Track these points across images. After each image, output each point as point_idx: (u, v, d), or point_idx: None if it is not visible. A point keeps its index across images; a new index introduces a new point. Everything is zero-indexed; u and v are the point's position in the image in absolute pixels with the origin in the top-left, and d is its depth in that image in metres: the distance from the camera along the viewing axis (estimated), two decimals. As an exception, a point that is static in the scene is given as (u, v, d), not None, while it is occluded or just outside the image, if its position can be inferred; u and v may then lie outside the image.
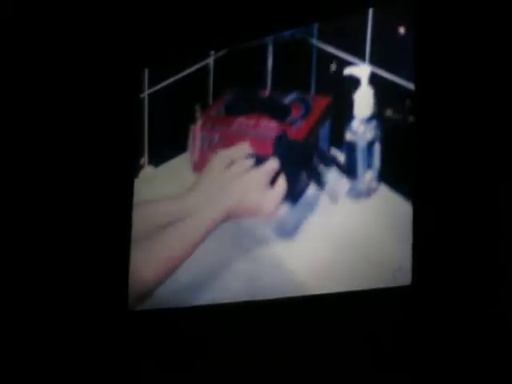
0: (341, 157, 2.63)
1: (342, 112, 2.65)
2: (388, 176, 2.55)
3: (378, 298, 2.45)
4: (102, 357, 2.92)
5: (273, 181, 2.72)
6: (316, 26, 2.76)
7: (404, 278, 2.41)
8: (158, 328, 2.84)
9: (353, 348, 2.47)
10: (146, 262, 2.87)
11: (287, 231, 2.68)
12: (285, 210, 2.69)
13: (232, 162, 2.79)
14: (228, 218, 2.75)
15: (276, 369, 2.59)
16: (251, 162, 2.76)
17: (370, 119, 2.60)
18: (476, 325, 2.30)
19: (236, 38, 2.89)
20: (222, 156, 2.83)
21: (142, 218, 2.95)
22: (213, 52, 2.95)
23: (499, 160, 2.36)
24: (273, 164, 2.72)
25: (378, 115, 2.59)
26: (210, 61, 2.96)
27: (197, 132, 2.91)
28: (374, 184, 2.57)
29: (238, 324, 2.69)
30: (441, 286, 2.37)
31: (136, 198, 3.00)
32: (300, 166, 2.69)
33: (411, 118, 2.51)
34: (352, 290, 2.50)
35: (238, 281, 2.72)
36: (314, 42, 2.76)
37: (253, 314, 2.67)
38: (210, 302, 2.75)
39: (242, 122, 2.84)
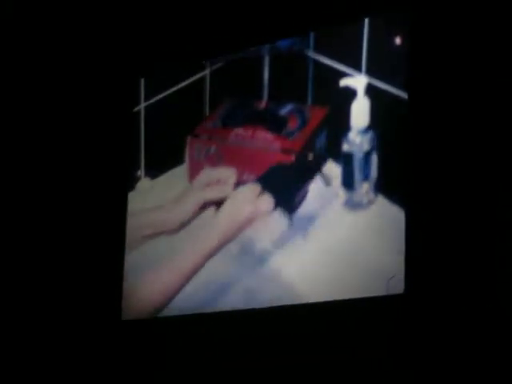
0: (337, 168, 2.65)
1: (339, 123, 2.65)
2: (385, 187, 2.55)
3: (372, 305, 2.46)
4: (96, 366, 2.92)
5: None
6: (312, 37, 2.76)
7: (397, 286, 2.42)
8: (152, 337, 2.85)
9: (347, 355, 2.48)
10: (144, 284, 2.88)
11: (285, 242, 2.69)
12: (283, 223, 2.70)
13: (217, 182, 2.80)
14: (228, 240, 2.75)
15: (271, 375, 2.59)
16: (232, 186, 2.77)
17: (366, 130, 2.60)
18: (469, 332, 2.31)
19: (232, 47, 2.89)
20: (209, 173, 2.84)
21: (130, 227, 2.96)
22: (209, 64, 2.95)
23: (493, 169, 2.37)
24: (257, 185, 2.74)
25: (374, 126, 2.59)
26: (207, 72, 2.96)
27: (193, 144, 2.91)
28: (371, 195, 2.57)
29: (235, 332, 2.70)
30: (433, 295, 2.38)
31: (133, 210, 2.99)
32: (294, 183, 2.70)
33: (408, 128, 2.51)
34: (346, 299, 2.50)
35: (235, 291, 2.72)
36: (311, 53, 2.76)
37: (250, 323, 2.68)
38: (206, 311, 2.75)
39: (238, 133, 2.84)
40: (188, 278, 2.76)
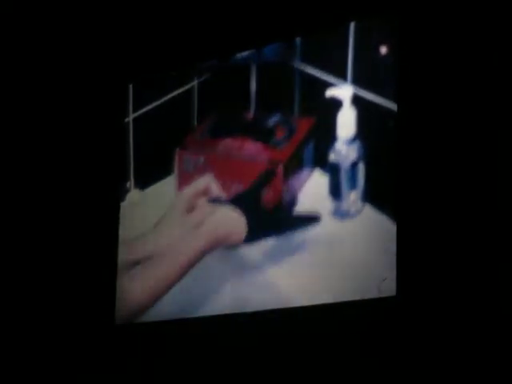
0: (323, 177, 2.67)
1: (326, 133, 2.66)
2: (372, 196, 2.56)
3: (365, 308, 2.48)
4: (90, 370, 2.93)
5: None
6: (298, 48, 2.77)
7: (389, 289, 2.43)
8: (146, 341, 2.85)
9: (339, 357, 2.49)
10: (134, 288, 2.89)
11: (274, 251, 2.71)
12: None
13: (194, 203, 2.81)
14: (211, 247, 2.77)
15: (264, 377, 2.61)
16: (211, 206, 2.78)
17: (353, 140, 2.61)
18: (460, 334, 2.33)
19: (220, 53, 2.91)
20: (185, 196, 2.85)
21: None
22: (196, 75, 2.97)
23: (481, 176, 2.38)
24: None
25: (361, 136, 2.60)
26: (194, 84, 2.97)
27: (182, 155, 2.92)
28: (358, 204, 2.58)
29: (227, 336, 2.71)
30: (423, 297, 2.40)
31: (122, 222, 3.00)
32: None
33: (394, 138, 2.52)
34: (339, 302, 2.52)
35: (226, 295, 2.74)
36: (297, 63, 2.77)
37: (243, 326, 2.68)
38: (197, 315, 2.77)
39: (226, 144, 2.85)
40: (174, 281, 2.78)
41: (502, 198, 2.34)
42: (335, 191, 2.63)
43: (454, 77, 2.46)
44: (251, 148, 2.80)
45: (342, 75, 2.66)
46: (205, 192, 2.82)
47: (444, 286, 2.37)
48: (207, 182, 2.83)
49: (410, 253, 2.43)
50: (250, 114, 2.85)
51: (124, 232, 2.99)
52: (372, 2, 2.63)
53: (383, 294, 2.44)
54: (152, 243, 2.86)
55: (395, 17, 2.59)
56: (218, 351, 2.71)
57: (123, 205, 3.02)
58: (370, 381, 2.44)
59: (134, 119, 3.06)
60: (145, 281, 2.84)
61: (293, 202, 2.70)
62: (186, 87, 2.98)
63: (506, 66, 2.40)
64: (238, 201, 2.75)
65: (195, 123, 2.95)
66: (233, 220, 2.74)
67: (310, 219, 2.63)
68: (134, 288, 2.87)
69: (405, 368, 2.38)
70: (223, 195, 2.80)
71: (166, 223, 2.86)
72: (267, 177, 2.73)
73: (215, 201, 2.79)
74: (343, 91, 2.64)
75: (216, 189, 2.81)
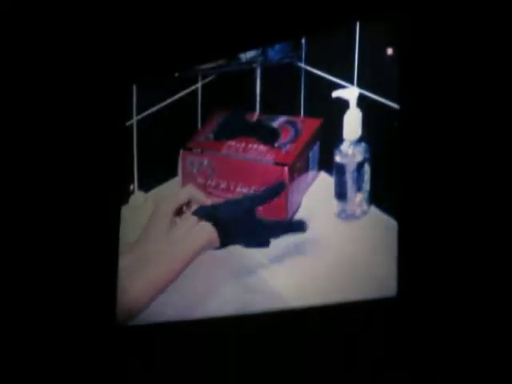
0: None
1: (332, 134, 2.65)
2: (378, 198, 2.55)
3: (365, 308, 2.47)
4: (91, 372, 2.93)
5: None
6: (304, 49, 2.77)
7: (390, 289, 2.43)
8: (147, 342, 2.85)
9: (339, 358, 2.49)
10: (133, 284, 2.87)
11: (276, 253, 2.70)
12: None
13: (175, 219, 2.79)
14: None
15: (264, 378, 2.61)
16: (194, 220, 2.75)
17: (359, 141, 2.60)
18: (461, 334, 2.32)
19: (224, 53, 2.91)
20: (165, 214, 2.81)
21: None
22: (200, 77, 2.96)
23: (485, 179, 2.38)
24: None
25: (367, 137, 2.59)
26: (198, 85, 2.97)
27: (186, 157, 2.91)
28: (364, 206, 2.57)
29: (228, 338, 2.70)
30: (424, 298, 2.40)
31: (126, 224, 2.99)
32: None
33: (399, 140, 2.51)
34: (339, 302, 2.51)
35: (226, 296, 2.73)
36: (302, 65, 2.77)
37: (243, 328, 2.68)
38: (198, 317, 2.76)
39: (230, 146, 2.84)
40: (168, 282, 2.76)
41: (507, 202, 2.33)
42: (341, 193, 2.62)
43: (461, 79, 2.46)
44: (256, 150, 2.79)
45: (347, 76, 2.65)
46: (188, 204, 2.80)
47: (445, 288, 2.37)
48: (188, 194, 2.80)
49: (411, 253, 2.43)
50: (255, 116, 2.85)
51: (127, 234, 2.97)
52: (378, 2, 2.63)
53: (384, 295, 2.44)
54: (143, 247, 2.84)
55: (402, 18, 2.58)
56: (219, 352, 2.71)
57: (126, 207, 3.02)
58: (369, 382, 2.43)
59: (138, 121, 3.05)
60: (144, 281, 2.84)
61: (298, 204, 2.69)
62: (191, 88, 2.98)
63: (509, 69, 2.39)
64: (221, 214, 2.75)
65: (199, 125, 2.94)
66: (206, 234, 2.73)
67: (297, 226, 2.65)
68: (133, 288, 2.87)
69: (405, 369, 2.38)
70: (208, 201, 2.78)
71: (150, 235, 2.83)
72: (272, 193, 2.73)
73: (199, 211, 2.77)
74: (349, 92, 2.63)
75: (200, 197, 2.79)
